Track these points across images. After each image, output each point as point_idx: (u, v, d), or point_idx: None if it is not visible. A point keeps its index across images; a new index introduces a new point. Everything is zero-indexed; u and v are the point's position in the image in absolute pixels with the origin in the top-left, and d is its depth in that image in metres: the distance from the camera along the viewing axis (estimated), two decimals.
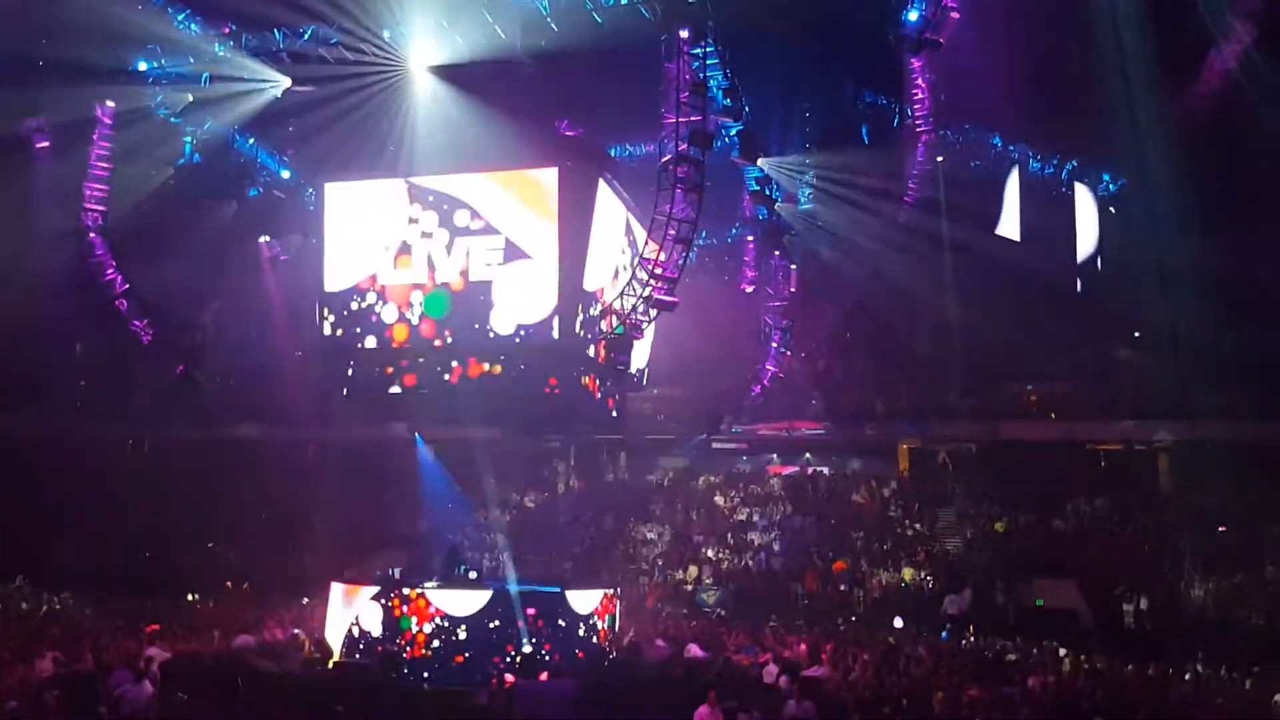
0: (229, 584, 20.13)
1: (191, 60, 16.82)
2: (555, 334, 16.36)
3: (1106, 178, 17.93)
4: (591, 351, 17.02)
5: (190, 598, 19.04)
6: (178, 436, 20.12)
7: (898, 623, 18.18)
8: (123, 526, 19.33)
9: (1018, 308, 18.67)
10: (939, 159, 16.98)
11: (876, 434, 21.81)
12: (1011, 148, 18.06)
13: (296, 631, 16.90)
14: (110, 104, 17.19)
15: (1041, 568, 19.06)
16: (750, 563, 20.40)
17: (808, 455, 23.21)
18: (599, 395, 17.79)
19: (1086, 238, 18.21)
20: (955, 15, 15.42)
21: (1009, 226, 18.59)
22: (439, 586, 15.92)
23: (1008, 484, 20.66)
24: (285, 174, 19.56)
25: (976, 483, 21.19)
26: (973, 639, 17.74)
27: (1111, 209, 17.90)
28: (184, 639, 16.14)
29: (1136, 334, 17.91)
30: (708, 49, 15.11)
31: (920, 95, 16.57)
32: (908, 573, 19.81)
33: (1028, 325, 18.81)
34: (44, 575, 17.93)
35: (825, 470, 22.88)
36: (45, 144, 18.02)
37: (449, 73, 16.63)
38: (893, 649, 16.41)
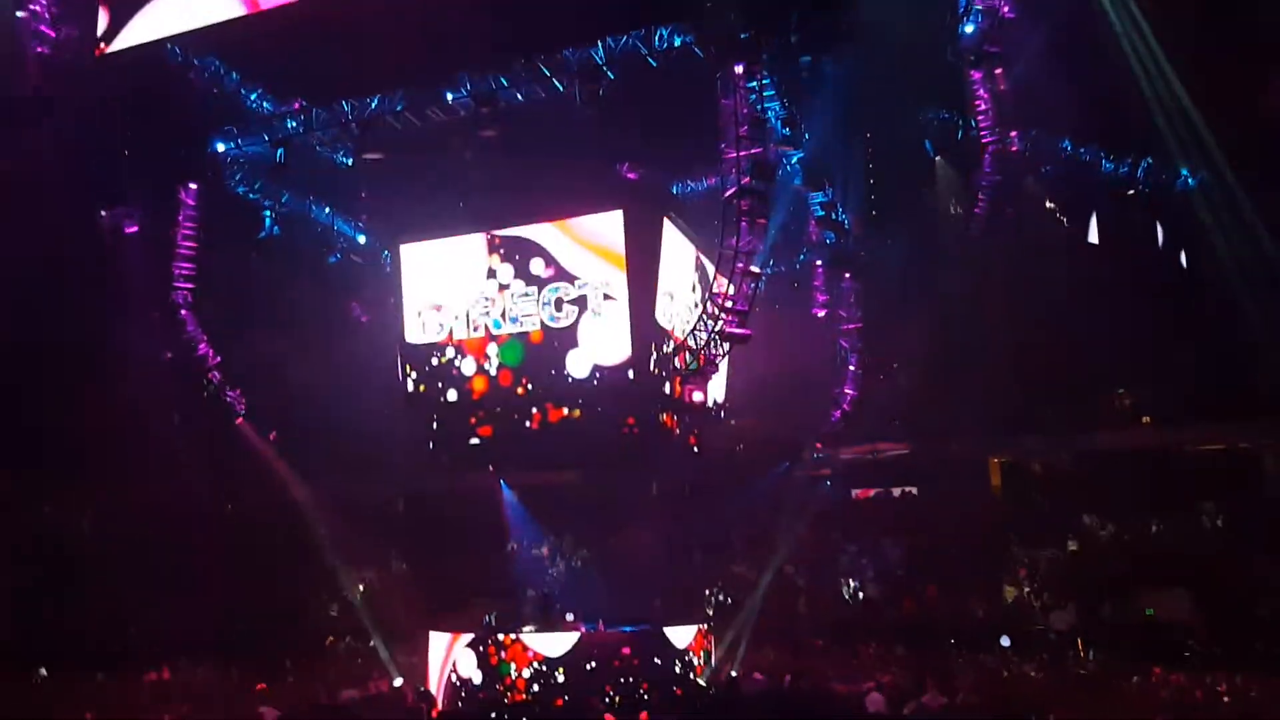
0: (330, 639, 20.67)
1: (265, 137, 17.55)
2: (631, 374, 16.54)
3: (1184, 172, 17.40)
4: (668, 389, 17.14)
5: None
6: (274, 498, 20.82)
7: (1005, 641, 17.74)
8: (228, 588, 20.06)
9: (1102, 312, 18.16)
10: (1008, 168, 16.70)
11: (964, 451, 21.34)
12: (1082, 150, 17.68)
13: (399, 683, 17.28)
14: (192, 186, 18.05)
15: (1149, 579, 18.38)
16: (844, 591, 20.17)
17: (895, 478, 22.88)
18: (678, 432, 17.87)
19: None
20: (1012, 24, 15.23)
21: (1087, 229, 18.18)
22: (536, 631, 16.15)
23: (1107, 494, 20.02)
24: (361, 239, 20.25)
25: (1074, 495, 20.61)
26: (1082, 655, 17.27)
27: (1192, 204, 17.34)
28: (291, 697, 16.66)
29: (1229, 331, 17.24)
30: (763, 81, 15.14)
31: (983, 106, 16.36)
32: (1009, 591, 19.34)
33: (1114, 330, 18.26)
34: (160, 640, 18.66)
35: (914, 491, 22.50)
36: (134, 229, 18.98)
37: (511, 127, 16.99)
38: (998, 671, 16.04)
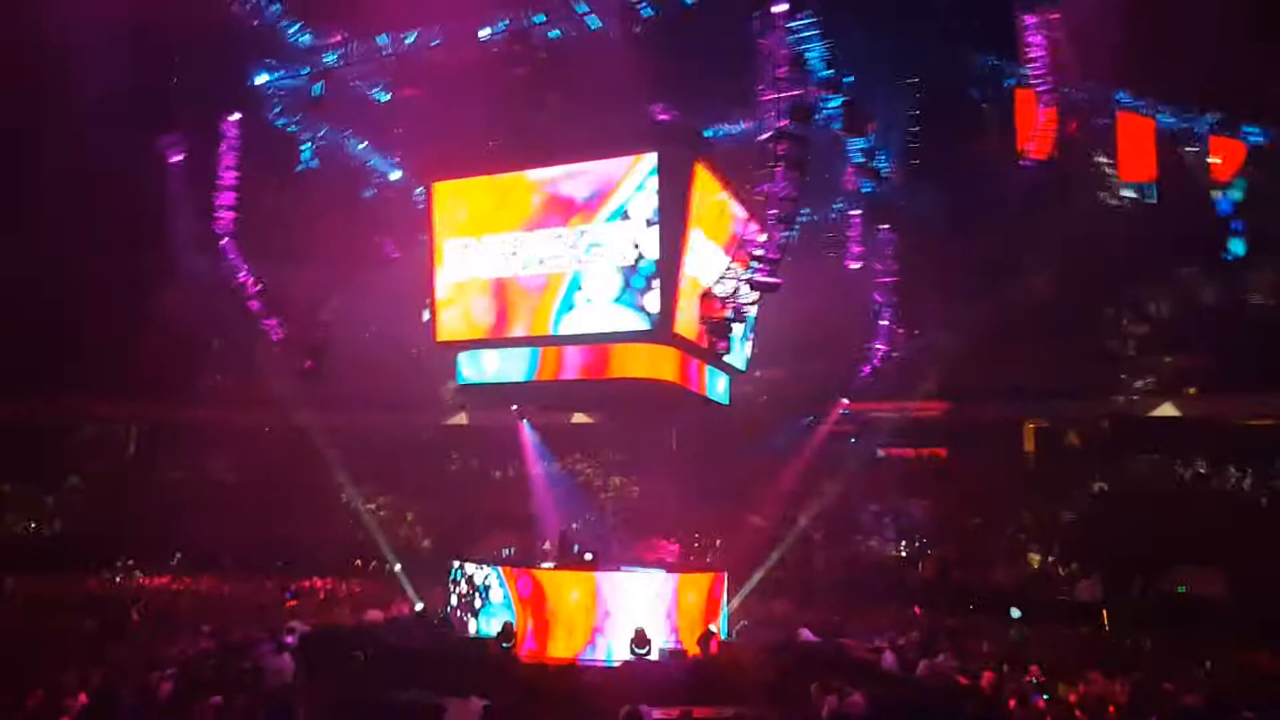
0: (359, 562, 21.38)
1: (305, 71, 17.71)
2: (659, 320, 16.32)
3: (1248, 129, 16.31)
4: (694, 336, 16.93)
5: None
6: (308, 424, 21.42)
7: (1014, 613, 17.44)
8: (261, 510, 20.87)
9: (1155, 273, 17.32)
10: (1062, 121, 15.85)
11: (998, 413, 20.77)
12: (1141, 102, 16.68)
13: (420, 606, 17.80)
14: (234, 117, 18.38)
15: (1183, 553, 17.77)
16: (863, 549, 19.99)
17: (925, 438, 22.44)
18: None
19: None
20: None
21: (1143, 185, 17.21)
22: (555, 568, 16.38)
23: (1144, 464, 19.36)
24: (395, 175, 20.36)
25: (1109, 463, 19.96)
26: (1105, 628, 16.87)
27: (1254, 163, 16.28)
28: (320, 615, 17.34)
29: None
30: (804, 20, 14.62)
31: (1036, 53, 15.50)
32: (1034, 559, 18.92)
33: (1164, 293, 17.42)
34: (196, 556, 19.58)
35: (943, 453, 22.04)
36: (179, 158, 19.46)
37: (547, 66, 16.78)
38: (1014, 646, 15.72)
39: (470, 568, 16.63)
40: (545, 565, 16.70)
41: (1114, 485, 19.61)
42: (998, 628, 16.88)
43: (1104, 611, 17.34)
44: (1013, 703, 12.02)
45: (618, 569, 16.71)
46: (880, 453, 22.56)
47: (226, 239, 18.65)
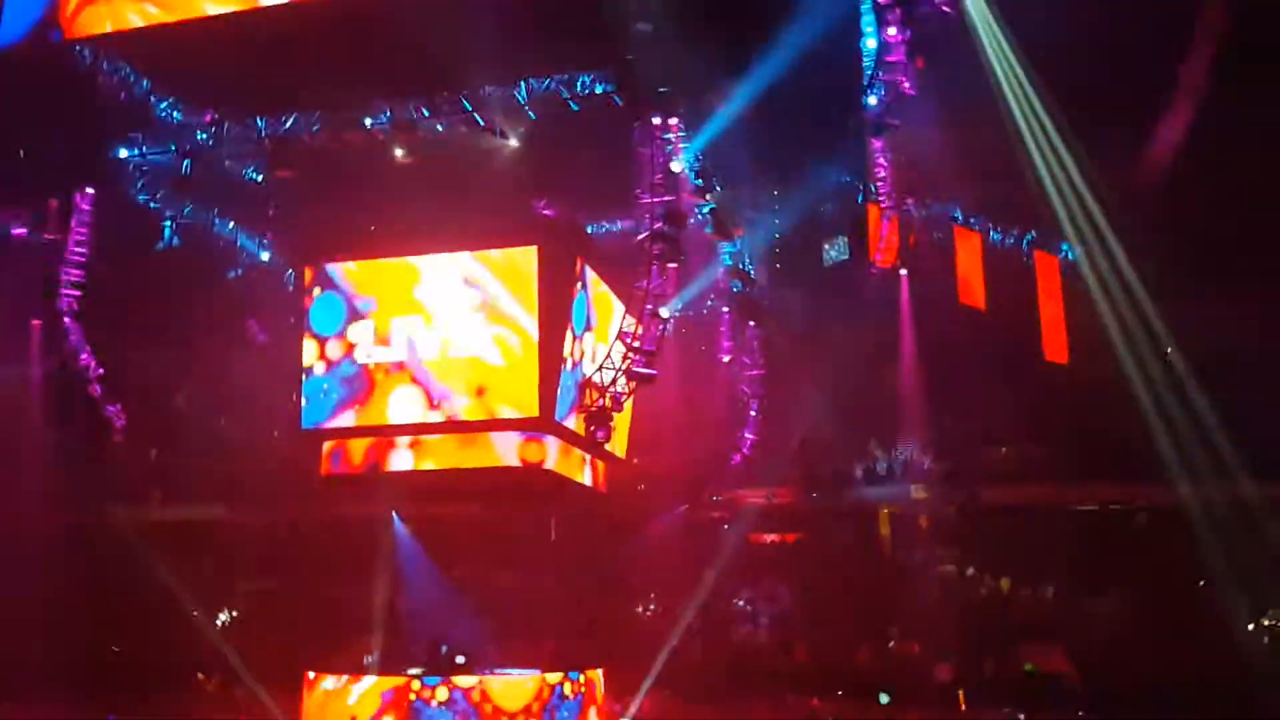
0: (201, 675, 19.48)
1: (173, 147, 17.12)
2: (536, 409, 16.45)
3: (1065, 246, 18.67)
4: (572, 425, 17.13)
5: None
6: (148, 520, 19.75)
7: (883, 699, 18.07)
8: (89, 617, 18.77)
9: (987, 374, 19.16)
10: (903, 233, 17.61)
11: (855, 500, 22.03)
12: (972, 219, 18.80)
13: None
14: (90, 191, 17.42)
15: (1028, 632, 19.09)
16: (736, 636, 20.24)
17: (789, 524, 23.26)
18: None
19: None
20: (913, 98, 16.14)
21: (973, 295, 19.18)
22: (424, 673, 15.64)
23: (989, 548, 20.86)
24: (265, 256, 19.74)
25: (958, 548, 21.37)
26: (962, 706, 17.70)
27: (1072, 275, 18.57)
28: None
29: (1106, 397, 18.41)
30: (679, 134, 15.71)
31: (882, 173, 17.25)
32: (894, 643, 19.77)
33: (997, 391, 19.28)
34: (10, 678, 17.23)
35: (807, 538, 22.88)
36: (21, 232, 18.13)
37: (428, 157, 17.05)
38: None
39: (330, 680, 15.58)
40: (412, 671, 15.90)
41: (960, 568, 21.01)
42: (866, 711, 17.40)
43: (960, 693, 18.21)
44: None
45: (492, 671, 16.16)
46: (750, 539, 23.10)
47: (70, 319, 17.38)
